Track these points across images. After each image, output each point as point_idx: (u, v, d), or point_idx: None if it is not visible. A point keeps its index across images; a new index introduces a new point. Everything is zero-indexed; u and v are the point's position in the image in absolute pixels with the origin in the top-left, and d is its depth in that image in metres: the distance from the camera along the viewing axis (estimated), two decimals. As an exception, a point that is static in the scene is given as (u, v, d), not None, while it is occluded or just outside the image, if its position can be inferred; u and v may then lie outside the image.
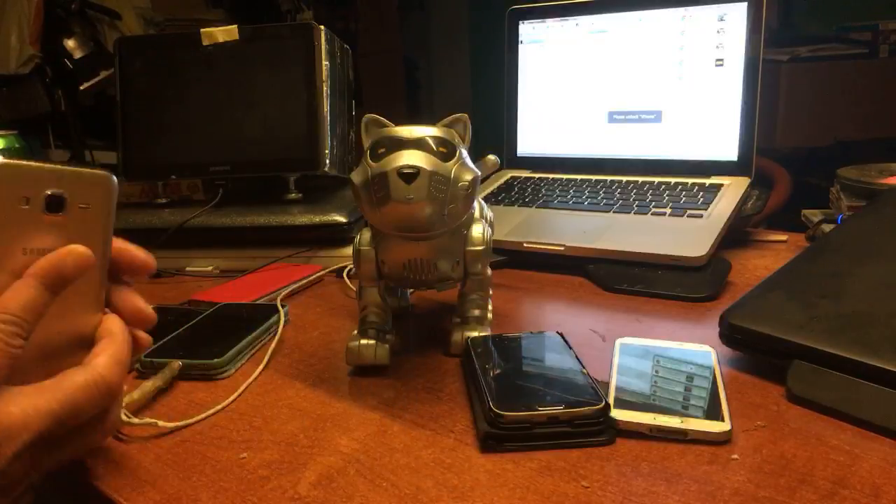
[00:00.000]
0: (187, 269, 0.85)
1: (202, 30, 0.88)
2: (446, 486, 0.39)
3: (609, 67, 0.94)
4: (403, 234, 0.50)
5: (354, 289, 0.66)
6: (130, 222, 0.86)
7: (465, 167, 0.49)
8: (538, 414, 0.42)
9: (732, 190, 0.82)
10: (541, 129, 1.00)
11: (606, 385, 0.46)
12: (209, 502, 0.39)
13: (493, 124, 1.03)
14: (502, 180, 0.98)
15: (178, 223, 0.84)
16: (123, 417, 0.46)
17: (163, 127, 0.90)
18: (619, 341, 0.53)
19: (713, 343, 0.52)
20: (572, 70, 0.97)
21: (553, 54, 0.98)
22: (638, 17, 0.91)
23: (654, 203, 0.83)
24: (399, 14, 3.57)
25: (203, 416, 0.48)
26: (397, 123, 0.50)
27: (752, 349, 0.51)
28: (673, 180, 0.87)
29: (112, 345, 0.37)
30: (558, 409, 0.42)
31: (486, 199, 0.92)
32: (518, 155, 1.02)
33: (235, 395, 0.51)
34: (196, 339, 0.59)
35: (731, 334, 0.51)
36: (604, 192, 0.88)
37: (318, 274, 0.79)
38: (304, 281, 0.76)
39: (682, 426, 0.42)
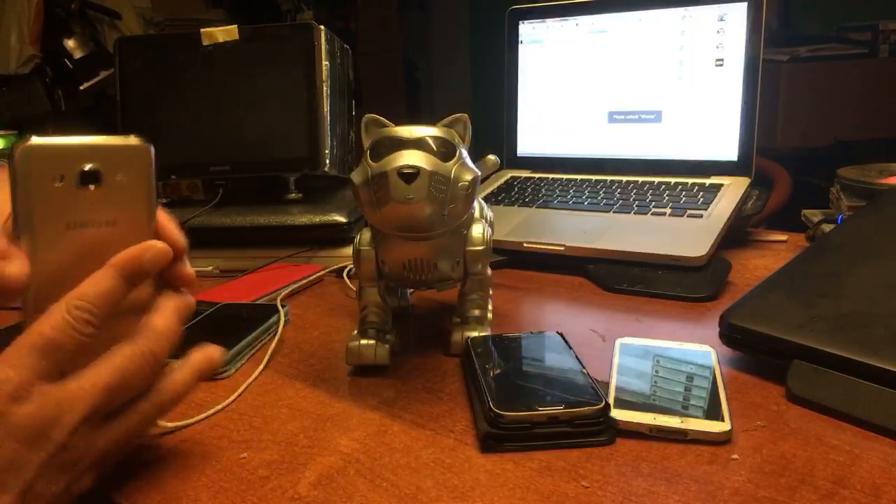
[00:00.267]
0: (187, 269, 0.85)
1: (202, 30, 0.88)
2: (446, 486, 0.39)
3: (609, 67, 0.94)
4: (403, 234, 0.50)
5: (354, 289, 0.66)
6: (130, 222, 0.86)
7: (465, 167, 0.49)
8: (538, 414, 0.42)
9: (732, 190, 0.82)
10: (541, 129, 1.00)
11: (606, 385, 0.46)
12: (209, 502, 0.39)
13: (493, 124, 1.02)
14: (502, 180, 0.98)
15: (178, 223, 0.84)
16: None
17: (162, 127, 0.90)
18: (619, 341, 0.53)
19: (713, 343, 0.52)
20: (572, 70, 0.97)
21: (553, 54, 0.98)
22: (638, 17, 0.91)
23: (654, 203, 0.83)
24: (399, 14, 3.57)
25: (203, 416, 0.48)
26: (397, 123, 0.50)
27: (752, 349, 0.51)
28: (673, 180, 0.87)
29: (160, 317, 0.38)
30: (558, 409, 0.42)
31: (486, 199, 0.92)
32: (518, 155, 1.02)
33: (235, 395, 0.51)
34: (196, 340, 0.59)
35: (731, 334, 0.51)
36: (604, 192, 0.88)
37: (318, 274, 0.79)
38: (304, 281, 0.76)
39: (682, 426, 0.42)
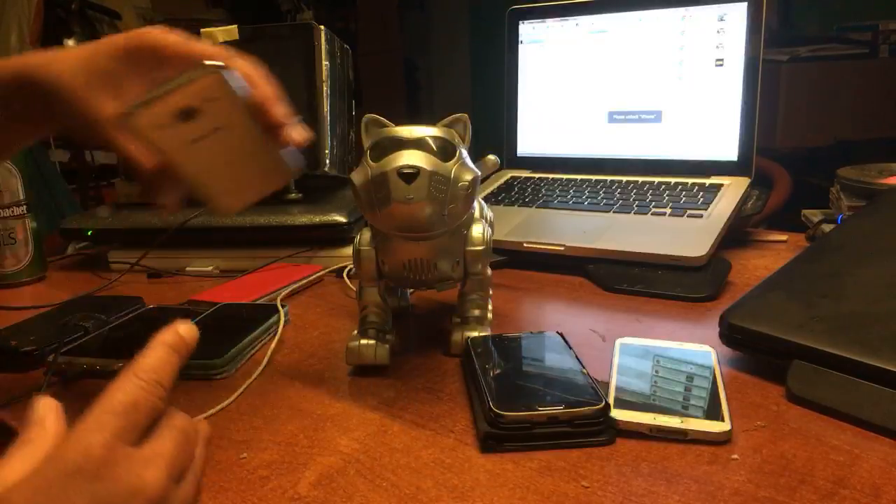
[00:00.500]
0: (187, 269, 0.85)
1: (202, 30, 0.88)
2: (446, 486, 0.39)
3: (609, 67, 0.94)
4: (403, 234, 0.50)
5: (354, 289, 0.66)
6: (130, 222, 0.86)
7: (465, 167, 0.49)
8: (538, 414, 0.42)
9: (732, 190, 0.82)
10: (541, 129, 1.00)
11: (606, 385, 0.46)
12: (209, 502, 0.39)
13: (493, 124, 1.02)
14: (502, 180, 0.98)
15: (178, 223, 0.84)
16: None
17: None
18: (619, 341, 0.53)
19: (713, 343, 0.52)
20: (572, 70, 0.97)
21: (553, 54, 0.98)
22: (638, 17, 0.91)
23: (654, 203, 0.83)
24: (399, 14, 3.57)
25: (203, 416, 0.48)
26: (397, 123, 0.50)
27: (752, 349, 0.51)
28: (673, 180, 0.87)
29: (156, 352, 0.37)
30: (558, 409, 0.42)
31: (486, 199, 0.92)
32: (518, 155, 1.02)
33: (235, 395, 0.51)
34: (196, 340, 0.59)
35: (731, 334, 0.51)
36: (604, 192, 0.88)
37: (318, 274, 0.79)
38: (304, 281, 0.76)
39: (682, 426, 0.41)
